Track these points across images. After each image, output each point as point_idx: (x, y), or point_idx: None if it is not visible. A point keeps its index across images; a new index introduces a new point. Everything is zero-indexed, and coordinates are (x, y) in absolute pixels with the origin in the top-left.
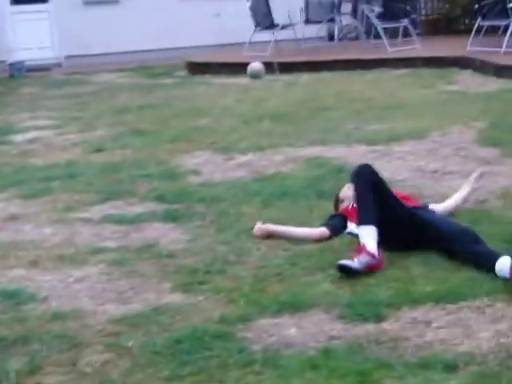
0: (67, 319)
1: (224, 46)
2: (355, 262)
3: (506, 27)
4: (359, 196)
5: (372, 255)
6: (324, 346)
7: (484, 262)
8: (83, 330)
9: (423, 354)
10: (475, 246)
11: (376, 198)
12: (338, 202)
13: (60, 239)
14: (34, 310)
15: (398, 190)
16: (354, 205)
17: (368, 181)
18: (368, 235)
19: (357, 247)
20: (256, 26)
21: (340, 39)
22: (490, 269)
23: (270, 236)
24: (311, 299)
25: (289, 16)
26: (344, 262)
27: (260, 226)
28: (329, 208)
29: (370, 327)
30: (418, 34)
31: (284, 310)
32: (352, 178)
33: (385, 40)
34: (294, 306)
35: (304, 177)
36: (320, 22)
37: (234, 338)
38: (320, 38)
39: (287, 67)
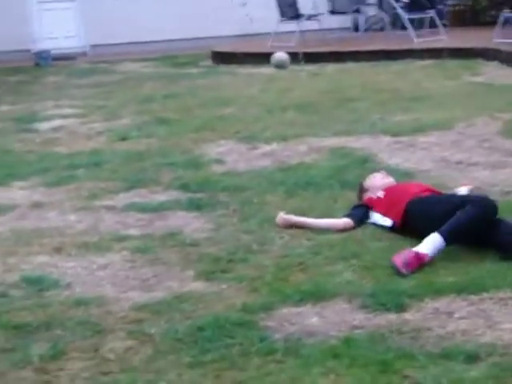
0: (90, 306)
1: (249, 35)
2: (405, 271)
3: None
4: (469, 222)
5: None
6: (346, 336)
7: None
8: (106, 316)
9: (445, 345)
10: None
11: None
12: (362, 191)
13: (84, 226)
14: (57, 296)
15: (421, 182)
16: (379, 194)
17: (485, 223)
18: (436, 248)
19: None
20: (281, 17)
21: (365, 30)
22: None
23: (292, 226)
24: (333, 289)
25: (314, 6)
26: (398, 263)
27: (283, 216)
28: (353, 198)
29: (392, 317)
30: (443, 25)
31: (306, 299)
32: (480, 206)
33: (411, 31)
34: (316, 296)
35: (328, 167)
36: (345, 12)
37: (256, 326)
38: (345, 29)
39: (312, 57)
